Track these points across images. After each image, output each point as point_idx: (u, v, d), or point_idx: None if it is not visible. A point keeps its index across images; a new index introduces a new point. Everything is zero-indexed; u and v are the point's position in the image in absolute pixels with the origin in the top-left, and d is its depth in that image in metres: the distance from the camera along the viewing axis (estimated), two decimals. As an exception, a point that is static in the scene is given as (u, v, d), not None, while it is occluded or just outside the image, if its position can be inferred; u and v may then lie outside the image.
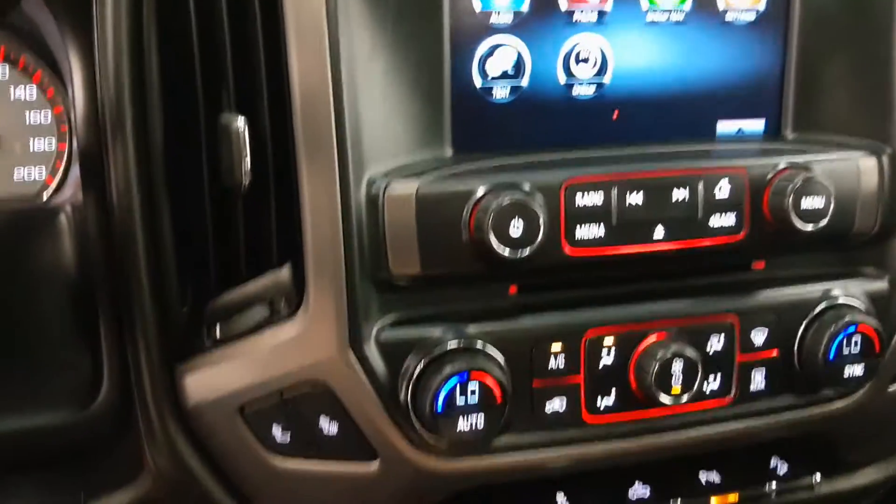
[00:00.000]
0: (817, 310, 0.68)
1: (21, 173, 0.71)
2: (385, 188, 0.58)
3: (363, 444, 0.61)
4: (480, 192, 0.59)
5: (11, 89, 0.70)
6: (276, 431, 0.61)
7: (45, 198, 0.69)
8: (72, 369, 0.65)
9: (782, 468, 0.74)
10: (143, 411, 0.63)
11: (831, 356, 0.66)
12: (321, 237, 0.58)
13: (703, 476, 0.73)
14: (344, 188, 0.58)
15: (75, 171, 0.69)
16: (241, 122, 0.58)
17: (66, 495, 0.66)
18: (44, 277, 0.64)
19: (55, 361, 0.65)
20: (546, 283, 0.64)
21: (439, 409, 0.58)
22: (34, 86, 0.70)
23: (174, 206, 0.61)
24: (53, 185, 0.71)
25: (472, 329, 0.61)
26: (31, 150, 0.71)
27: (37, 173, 0.71)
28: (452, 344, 0.60)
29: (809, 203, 0.63)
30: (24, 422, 0.64)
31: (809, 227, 0.63)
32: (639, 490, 0.71)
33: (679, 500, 0.71)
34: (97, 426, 0.65)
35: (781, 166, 0.65)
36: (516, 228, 0.57)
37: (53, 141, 0.72)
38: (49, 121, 0.72)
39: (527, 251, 0.58)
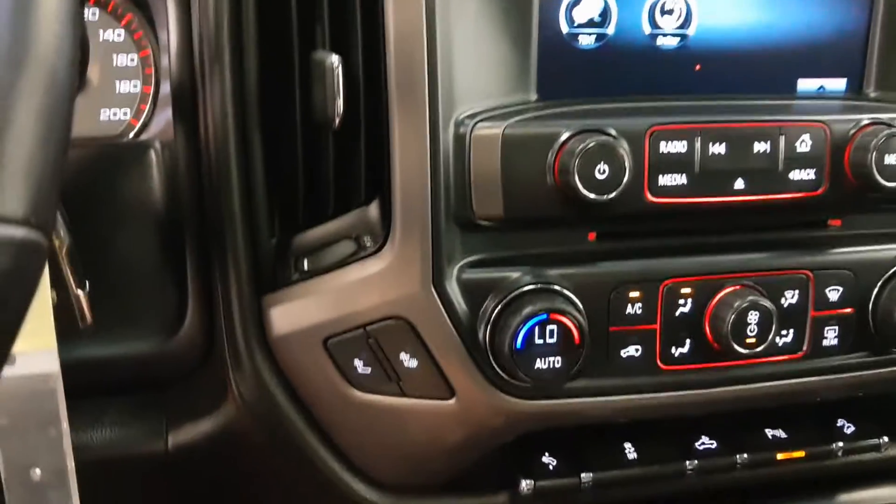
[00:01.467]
0: (894, 269, 0.68)
1: (106, 114, 0.73)
2: (472, 130, 0.59)
3: (441, 381, 0.62)
4: (566, 135, 0.59)
5: (100, 31, 0.72)
6: (358, 364, 0.63)
7: (129, 137, 0.71)
8: (158, 300, 0.67)
9: (849, 428, 0.75)
10: (230, 340, 0.65)
11: (906, 315, 0.66)
12: (409, 176, 0.59)
13: (770, 432, 0.73)
14: (433, 128, 0.59)
15: (159, 113, 0.71)
16: (334, 60, 0.60)
17: (150, 421, 0.69)
18: (132, 210, 0.66)
19: (143, 292, 0.67)
20: (625, 231, 0.65)
21: (518, 349, 0.59)
22: (122, 28, 0.72)
23: (266, 142, 0.63)
24: (137, 126, 0.73)
25: (551, 272, 0.62)
26: (117, 91, 0.73)
27: (122, 114, 0.74)
28: (532, 286, 0.61)
29: (892, 160, 0.63)
30: (112, 349, 0.67)
31: (892, 184, 0.63)
32: (705, 442, 0.71)
33: (745, 454, 0.71)
34: (181, 356, 0.67)
35: (864, 122, 0.64)
36: (601, 172, 0.58)
37: (139, 83, 0.74)
38: (135, 63, 0.74)
39: (611, 195, 0.58)
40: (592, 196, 0.58)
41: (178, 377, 0.69)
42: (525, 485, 0.68)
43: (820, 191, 0.65)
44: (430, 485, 0.70)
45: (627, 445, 0.71)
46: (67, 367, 0.56)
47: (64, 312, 0.61)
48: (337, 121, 0.60)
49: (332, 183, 0.63)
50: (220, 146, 0.62)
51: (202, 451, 0.68)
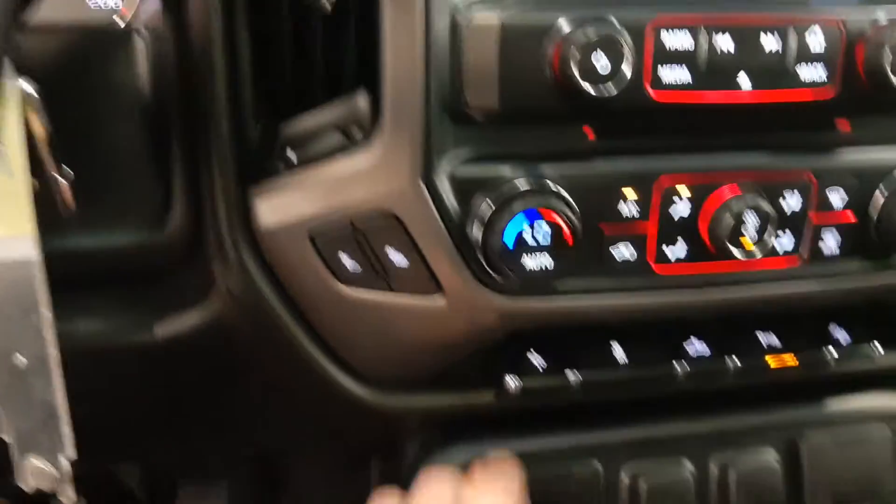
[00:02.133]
0: None
1: (97, 2, 0.71)
2: (468, 17, 0.57)
3: (430, 279, 0.61)
4: (566, 24, 0.56)
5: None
6: (345, 259, 0.62)
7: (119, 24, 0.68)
8: (143, 191, 0.65)
9: (843, 336, 0.74)
10: (215, 232, 0.63)
11: (909, 221, 0.65)
12: (401, 64, 0.56)
13: (762, 337, 0.73)
14: (428, 15, 0.56)
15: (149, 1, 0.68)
16: (324, -61, 0.57)
17: (137, 314, 0.68)
18: (118, 98, 0.64)
19: (127, 182, 0.65)
20: (624, 128, 0.62)
21: (508, 247, 0.58)
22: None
23: (254, 25, 0.60)
24: (129, 15, 0.70)
25: (545, 169, 0.60)
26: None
27: (112, 3, 0.71)
28: (524, 183, 0.59)
29: (908, 60, 0.60)
30: (98, 240, 0.66)
31: (905, 86, 0.60)
32: (695, 345, 0.71)
33: (737, 360, 0.71)
34: (168, 248, 0.66)
35: (882, 21, 0.61)
36: (602, 64, 0.55)
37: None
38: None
39: (612, 89, 0.56)
40: (591, 90, 0.56)
41: (166, 270, 0.68)
42: (511, 382, 0.68)
43: (830, 90, 0.62)
44: (416, 381, 0.70)
45: (617, 347, 0.70)
46: (52, 258, 0.55)
47: (46, 200, 0.60)
48: (327, 5, 0.58)
49: (321, 69, 0.61)
50: (205, 28, 0.59)
51: (190, 343, 0.67)
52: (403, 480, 0.73)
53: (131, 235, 0.66)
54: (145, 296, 0.68)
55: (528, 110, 0.59)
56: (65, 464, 0.60)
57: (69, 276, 0.66)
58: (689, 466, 0.74)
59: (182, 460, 1.00)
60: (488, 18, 0.56)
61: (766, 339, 0.73)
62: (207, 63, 0.59)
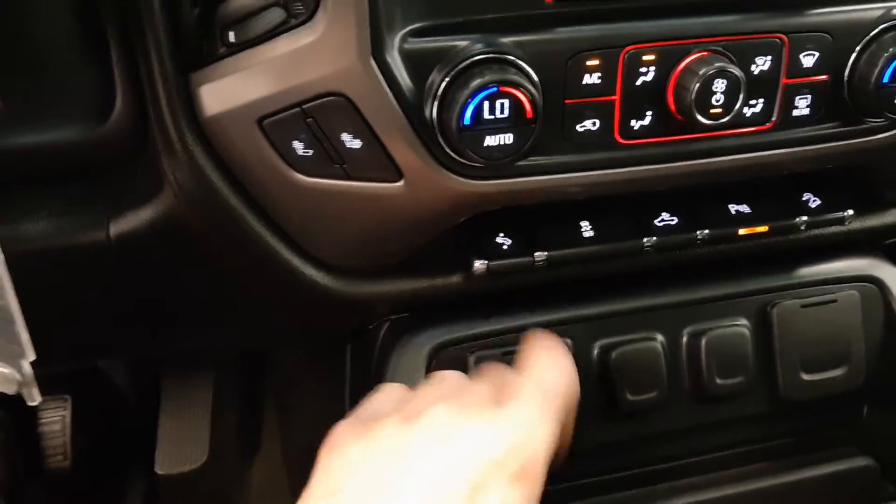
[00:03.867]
0: (875, 31, 0.62)
1: None
2: None
3: (387, 162, 0.59)
4: None
5: None
6: (297, 146, 0.59)
7: None
8: (82, 83, 0.62)
9: (814, 202, 0.73)
10: (158, 123, 0.60)
11: (885, 80, 0.62)
12: (339, -73, 0.52)
13: (733, 207, 0.71)
14: None
15: None
16: None
17: (89, 211, 0.66)
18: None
19: (64, 75, 0.61)
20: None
21: (466, 124, 0.55)
22: None
23: None
24: None
25: (503, 40, 0.57)
26: None
27: None
28: (481, 55, 0.55)
29: None
30: (38, 137, 0.62)
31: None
32: (665, 219, 0.70)
33: (706, 229, 0.70)
34: (114, 142, 0.63)
35: None
36: (556, -77, 0.52)
37: None
38: None
39: None
40: None
41: (115, 165, 0.65)
42: (478, 264, 0.66)
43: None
44: (381, 267, 0.69)
45: (584, 223, 0.69)
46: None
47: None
48: None
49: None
50: None
51: (144, 238, 0.65)
52: (375, 363, 0.73)
53: (72, 130, 0.62)
54: (95, 193, 0.66)
55: (481, -24, 0.55)
56: (26, 367, 0.60)
57: (11, 175, 0.64)
58: (660, 337, 0.74)
59: (158, 354, 1.00)
60: None
61: (738, 209, 0.71)
62: None
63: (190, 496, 1.13)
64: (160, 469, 1.11)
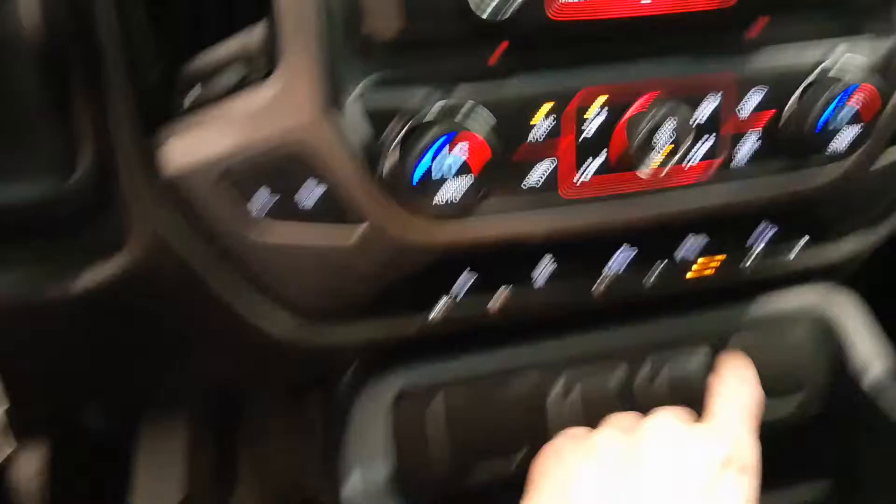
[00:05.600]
0: (813, 75, 0.65)
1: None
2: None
3: (345, 212, 0.61)
4: (462, -57, 0.54)
5: None
6: (258, 198, 0.60)
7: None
8: (47, 140, 0.63)
9: (764, 237, 0.75)
10: (123, 179, 0.62)
11: (823, 122, 0.65)
12: (295, -10, 0.54)
13: (685, 246, 0.74)
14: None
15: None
16: None
17: (55, 265, 0.67)
18: (8, 44, 0.61)
19: (29, 133, 0.63)
20: (533, 44, 0.61)
21: (422, 173, 0.57)
22: None
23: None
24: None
25: (456, 91, 0.59)
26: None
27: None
28: (436, 107, 0.58)
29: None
30: (3, 194, 0.64)
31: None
32: (619, 259, 0.72)
33: (659, 269, 0.72)
34: (79, 197, 0.64)
35: None
36: (496, -16, 0.54)
37: None
38: None
39: (507, 13, 0.54)
40: (485, 15, 0.54)
41: (80, 220, 0.67)
42: (440, 307, 0.68)
43: (733, -1, 0.61)
44: (345, 312, 0.70)
45: (544, 262, 0.70)
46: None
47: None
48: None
49: (215, 5, 0.58)
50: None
51: (111, 292, 0.66)
52: (341, 409, 0.74)
53: (38, 187, 0.63)
54: (61, 247, 0.67)
55: (433, 33, 0.57)
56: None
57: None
58: (621, 374, 0.75)
59: (134, 399, 1.01)
60: (385, -62, 0.54)
61: (689, 248, 0.74)
62: (95, 3, 0.56)
63: (166, 537, 1.13)
64: (135, 510, 1.11)
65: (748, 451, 0.63)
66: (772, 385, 0.79)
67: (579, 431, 0.64)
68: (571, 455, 0.61)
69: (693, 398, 0.77)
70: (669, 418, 0.63)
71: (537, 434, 0.74)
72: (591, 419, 0.74)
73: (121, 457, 1.16)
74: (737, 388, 0.68)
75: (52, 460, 1.19)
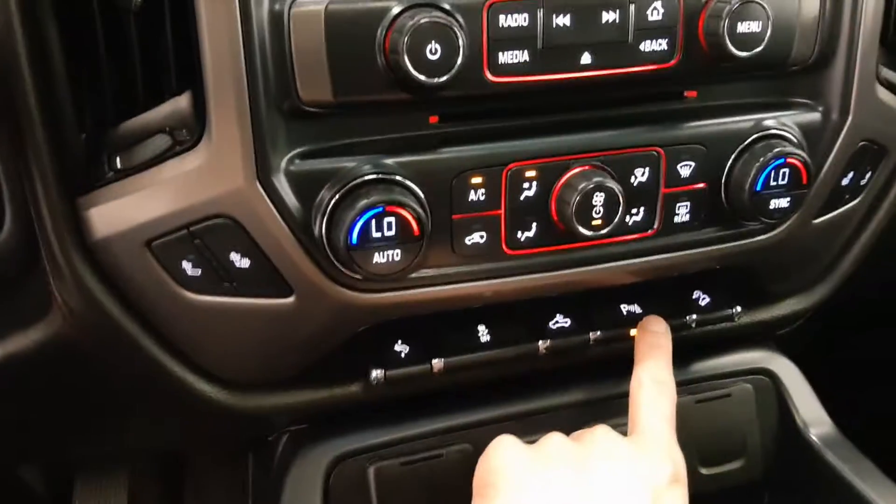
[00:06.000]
0: (747, 141, 0.66)
1: None
2: (290, 5, 0.54)
3: (277, 280, 0.60)
4: (396, 10, 0.54)
5: None
6: (187, 266, 0.59)
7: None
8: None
9: (704, 300, 0.75)
10: (46, 246, 0.60)
11: (758, 188, 0.65)
12: (221, 60, 0.53)
13: (625, 308, 0.73)
14: (244, 6, 0.53)
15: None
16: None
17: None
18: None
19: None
20: (468, 113, 0.61)
21: (354, 243, 0.56)
22: None
23: (64, 29, 0.55)
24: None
25: (389, 161, 0.58)
26: None
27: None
28: (368, 176, 0.57)
29: (746, 27, 0.60)
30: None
31: (744, 54, 0.60)
32: (559, 321, 0.71)
33: (599, 331, 0.71)
34: (1, 262, 0.62)
35: None
36: (434, 52, 0.54)
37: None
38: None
39: (445, 77, 0.54)
40: (423, 78, 0.54)
41: (5, 284, 0.64)
42: (376, 374, 0.67)
43: (672, 62, 0.61)
44: (278, 380, 0.69)
45: (481, 328, 0.70)
46: None
47: None
48: (135, 1, 0.54)
49: (140, 70, 0.57)
50: (7, 32, 0.54)
51: (34, 361, 0.64)
52: (275, 474, 0.72)
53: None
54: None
55: (364, 101, 0.57)
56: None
57: None
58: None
59: (70, 459, 0.97)
60: (313, 5, 0.54)
61: (630, 309, 0.73)
62: (13, 70, 0.55)
63: None
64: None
65: (682, 464, 0.66)
66: (715, 450, 0.79)
67: (517, 442, 0.64)
68: (518, 464, 0.60)
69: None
70: (609, 434, 0.64)
71: None
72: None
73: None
74: (657, 397, 0.68)
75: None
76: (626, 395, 0.77)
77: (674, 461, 0.65)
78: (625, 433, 0.71)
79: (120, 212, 0.58)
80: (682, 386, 0.78)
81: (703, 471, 0.78)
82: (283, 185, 0.57)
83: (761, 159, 0.65)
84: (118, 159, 0.58)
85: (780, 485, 0.82)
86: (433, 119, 0.61)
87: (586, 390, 0.76)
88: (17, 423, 0.75)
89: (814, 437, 0.78)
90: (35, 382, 0.68)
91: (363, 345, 0.67)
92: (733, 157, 0.66)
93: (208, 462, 1.08)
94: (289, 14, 0.54)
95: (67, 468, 1.10)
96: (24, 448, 0.83)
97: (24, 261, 0.62)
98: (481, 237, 0.62)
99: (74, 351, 0.64)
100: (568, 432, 0.75)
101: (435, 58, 0.54)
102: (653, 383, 0.68)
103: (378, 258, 0.57)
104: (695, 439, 0.77)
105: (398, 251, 0.58)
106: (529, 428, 0.73)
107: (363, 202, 0.56)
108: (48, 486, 1.18)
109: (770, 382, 0.81)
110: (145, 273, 0.60)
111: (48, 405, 0.73)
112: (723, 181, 0.66)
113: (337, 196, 0.57)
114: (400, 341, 0.68)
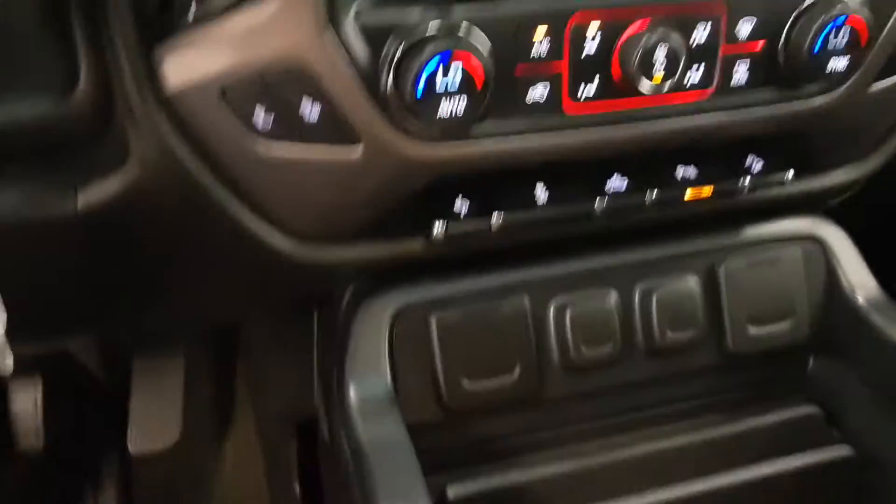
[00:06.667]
0: (806, 2, 0.66)
1: None
2: None
3: (345, 129, 0.61)
4: None
5: None
6: (259, 114, 0.61)
7: None
8: (46, 58, 0.63)
9: (757, 165, 0.76)
10: (123, 96, 0.62)
11: (816, 49, 0.66)
12: None
13: (680, 171, 0.75)
14: None
15: None
16: None
17: (57, 184, 0.67)
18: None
19: (27, 50, 0.63)
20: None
21: (419, 93, 0.58)
22: None
23: None
24: None
25: (455, 11, 0.59)
26: None
27: None
28: (434, 25, 0.58)
29: None
30: (2, 113, 0.64)
31: None
32: (616, 182, 0.73)
33: (655, 191, 0.73)
34: (80, 115, 0.64)
35: None
36: None
37: None
38: None
39: None
40: None
41: (81, 138, 0.67)
42: (437, 229, 0.69)
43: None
44: (343, 233, 0.71)
45: (539, 187, 0.72)
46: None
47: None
48: None
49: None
50: None
51: (111, 210, 0.67)
52: (339, 328, 0.76)
53: (38, 105, 0.63)
54: (61, 167, 0.67)
55: (430, -50, 0.58)
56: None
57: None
58: (613, 295, 0.77)
59: (129, 332, 1.02)
60: None
61: (685, 172, 0.75)
62: None
63: (163, 474, 1.15)
64: (133, 448, 1.12)
65: None
66: (764, 311, 0.81)
67: None
68: None
69: (684, 321, 0.79)
70: None
71: (531, 354, 0.76)
72: (585, 339, 0.76)
73: (117, 396, 1.18)
74: None
75: (48, 399, 1.20)
76: (678, 257, 0.80)
77: None
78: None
79: (195, 61, 0.60)
80: (734, 250, 0.80)
81: (752, 330, 0.80)
82: (352, 32, 0.58)
83: (821, 18, 0.65)
84: (193, 7, 0.60)
85: (826, 347, 0.85)
86: (497, -30, 0.61)
87: (639, 252, 0.79)
88: (85, 286, 0.78)
89: (860, 301, 0.80)
90: (108, 237, 0.71)
91: (425, 201, 0.69)
92: (794, 15, 0.66)
93: (263, 327, 1.12)
94: None
95: (124, 346, 1.15)
96: (89, 313, 0.86)
97: (101, 112, 0.65)
98: (543, 91, 0.63)
99: (149, 201, 0.67)
100: (619, 290, 0.78)
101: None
102: None
103: (443, 108, 0.59)
104: (745, 300, 0.80)
105: (463, 102, 0.59)
106: (583, 284, 0.76)
107: (429, 51, 0.57)
108: (105, 370, 1.24)
109: (819, 247, 0.82)
110: (218, 122, 0.62)
111: (118, 265, 0.76)
112: (781, 41, 0.67)
113: (403, 45, 0.58)
114: (461, 197, 0.70)
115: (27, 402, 1.20)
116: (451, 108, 0.59)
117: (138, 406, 1.17)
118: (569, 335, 0.75)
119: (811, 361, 0.87)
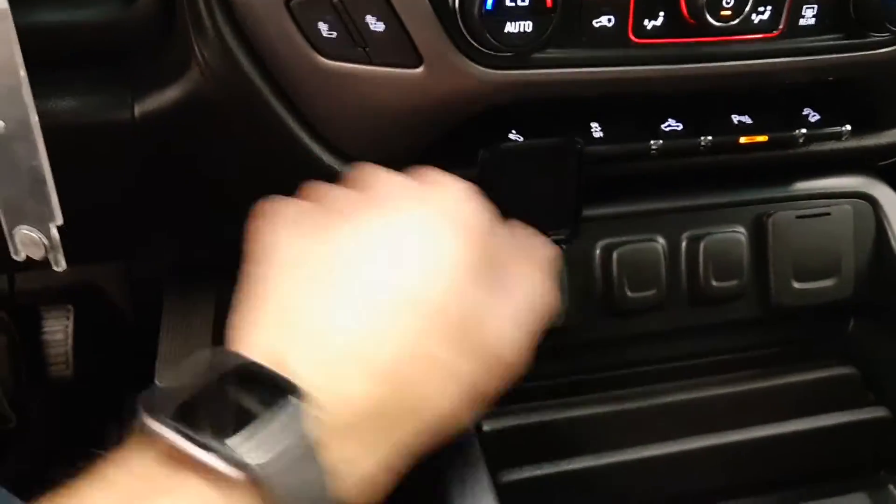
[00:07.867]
0: None
1: None
2: None
3: (409, 47, 0.61)
4: None
5: None
6: (323, 28, 0.61)
7: None
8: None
9: (814, 116, 0.75)
10: (189, 3, 0.62)
11: (889, -3, 0.65)
12: None
13: (736, 118, 0.74)
14: None
15: None
16: None
17: (116, 90, 0.67)
18: None
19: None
20: None
21: (487, 10, 0.57)
22: None
23: None
24: None
25: None
26: None
27: None
28: (503, -56, 0.58)
29: None
30: (67, 16, 0.64)
31: None
32: (671, 124, 0.72)
33: (709, 136, 0.72)
34: (142, 21, 0.64)
35: None
36: None
37: None
38: None
39: None
40: None
41: (143, 45, 0.67)
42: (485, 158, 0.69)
43: None
44: (395, 157, 0.71)
45: (594, 125, 0.71)
46: (24, 33, 0.54)
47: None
48: None
49: None
50: None
51: (169, 118, 0.67)
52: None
53: (102, 9, 0.64)
54: (125, 73, 0.67)
55: None
56: (54, 232, 0.61)
57: (40, 53, 0.65)
58: (661, 239, 0.77)
59: (168, 258, 1.02)
60: None
61: (741, 119, 0.74)
62: None
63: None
64: (160, 382, 1.13)
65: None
66: (810, 266, 0.80)
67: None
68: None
69: (729, 271, 0.78)
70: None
71: (574, 293, 0.75)
72: (630, 282, 0.76)
73: (146, 332, 1.19)
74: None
75: (78, 329, 1.21)
76: (727, 206, 0.79)
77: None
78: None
79: (258, -30, 0.60)
80: (784, 202, 0.80)
81: (796, 285, 0.80)
82: (419, -52, 0.58)
83: (896, -36, 0.64)
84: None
85: (867, 309, 0.84)
86: None
87: (689, 199, 0.78)
88: (139, 196, 0.78)
89: (912, 259, 0.80)
90: (166, 147, 0.71)
91: (477, 132, 0.69)
92: (867, -39, 0.65)
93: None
94: None
95: (155, 282, 1.15)
96: (142, 230, 0.86)
97: (164, 19, 0.65)
98: (609, 20, 0.62)
99: (208, 110, 0.67)
100: (666, 235, 0.77)
101: None
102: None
103: (510, 27, 0.59)
104: (791, 254, 0.79)
105: (530, 22, 0.59)
106: (631, 227, 0.76)
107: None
108: (135, 307, 1.25)
109: (870, 207, 0.81)
110: (282, 33, 0.61)
111: (173, 176, 0.76)
112: None
113: (471, -39, 0.57)
114: (514, 131, 0.70)
115: (58, 330, 1.22)
116: (516, 28, 0.59)
117: (167, 343, 1.17)
118: (614, 276, 0.75)
119: (851, 322, 0.86)
